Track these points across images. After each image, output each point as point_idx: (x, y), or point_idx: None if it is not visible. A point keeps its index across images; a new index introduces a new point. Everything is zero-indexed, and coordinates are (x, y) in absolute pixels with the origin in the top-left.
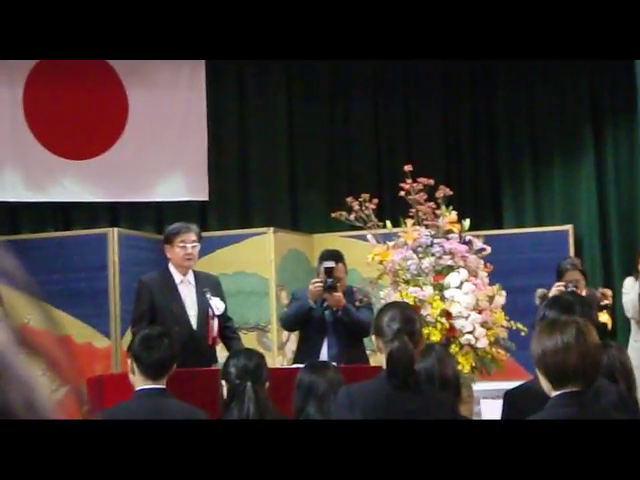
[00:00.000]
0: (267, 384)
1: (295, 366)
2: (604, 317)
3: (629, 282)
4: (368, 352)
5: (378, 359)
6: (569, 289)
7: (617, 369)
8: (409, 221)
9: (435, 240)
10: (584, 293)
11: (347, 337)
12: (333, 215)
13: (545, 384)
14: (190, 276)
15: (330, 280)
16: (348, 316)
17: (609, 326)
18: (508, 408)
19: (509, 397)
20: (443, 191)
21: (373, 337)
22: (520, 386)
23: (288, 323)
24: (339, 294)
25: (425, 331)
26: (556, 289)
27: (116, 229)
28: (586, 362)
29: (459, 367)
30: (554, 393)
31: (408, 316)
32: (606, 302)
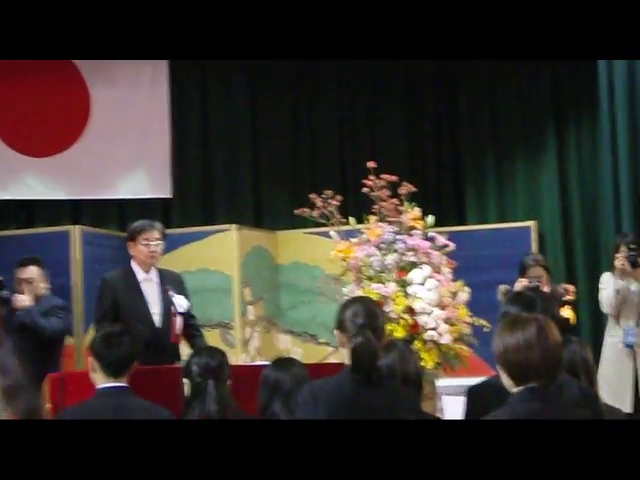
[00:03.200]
0: (229, 382)
1: (259, 363)
2: (567, 313)
3: (606, 277)
4: (330, 349)
5: (339, 356)
6: (532, 285)
7: (579, 364)
8: (372, 218)
9: (398, 237)
10: (547, 289)
11: None
12: (296, 212)
13: (506, 381)
14: (153, 274)
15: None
16: None
17: (572, 321)
18: (471, 404)
19: (472, 393)
20: (406, 188)
21: (336, 332)
22: (483, 382)
23: None
24: None
25: (388, 327)
26: (520, 285)
27: (78, 227)
28: (548, 359)
29: (423, 363)
30: (515, 389)
31: (371, 311)
32: (569, 297)
